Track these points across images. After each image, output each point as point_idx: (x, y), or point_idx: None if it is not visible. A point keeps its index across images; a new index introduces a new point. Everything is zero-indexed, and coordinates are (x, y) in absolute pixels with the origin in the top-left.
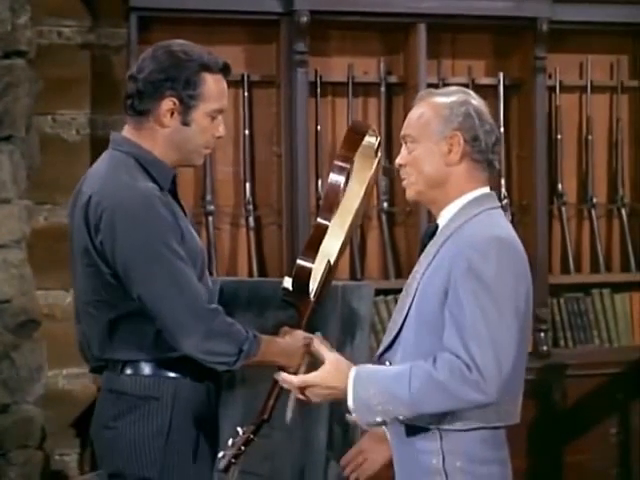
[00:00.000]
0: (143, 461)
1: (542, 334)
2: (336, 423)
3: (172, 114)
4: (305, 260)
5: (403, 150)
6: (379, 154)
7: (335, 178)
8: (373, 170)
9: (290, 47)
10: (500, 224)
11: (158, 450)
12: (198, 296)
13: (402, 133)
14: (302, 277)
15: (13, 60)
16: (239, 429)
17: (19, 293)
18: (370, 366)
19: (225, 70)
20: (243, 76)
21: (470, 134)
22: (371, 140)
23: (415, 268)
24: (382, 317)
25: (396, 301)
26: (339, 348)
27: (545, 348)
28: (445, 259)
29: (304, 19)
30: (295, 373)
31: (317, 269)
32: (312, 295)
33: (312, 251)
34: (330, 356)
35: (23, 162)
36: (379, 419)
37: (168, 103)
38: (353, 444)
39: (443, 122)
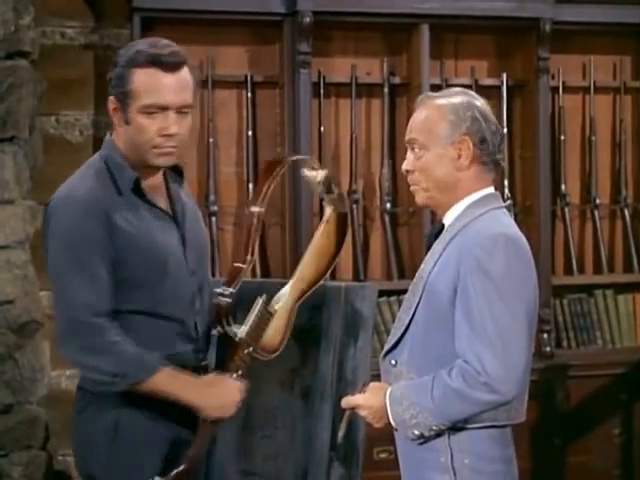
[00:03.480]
0: (90, 458)
1: (545, 335)
2: (339, 424)
3: (117, 113)
4: (221, 296)
5: (410, 155)
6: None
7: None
8: (328, 216)
9: (293, 48)
10: (506, 223)
11: (104, 447)
12: (81, 310)
13: (407, 137)
14: (218, 314)
15: (16, 61)
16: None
17: (22, 294)
18: (402, 383)
19: (160, 62)
20: (246, 77)
21: (478, 137)
22: (312, 174)
23: (421, 267)
24: (385, 318)
25: (399, 302)
26: (342, 349)
27: (548, 349)
28: (452, 257)
29: (307, 20)
30: (216, 422)
31: (251, 312)
32: (239, 337)
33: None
34: (372, 384)
35: (26, 163)
36: (417, 432)
37: (110, 103)
38: (356, 445)
39: (451, 127)
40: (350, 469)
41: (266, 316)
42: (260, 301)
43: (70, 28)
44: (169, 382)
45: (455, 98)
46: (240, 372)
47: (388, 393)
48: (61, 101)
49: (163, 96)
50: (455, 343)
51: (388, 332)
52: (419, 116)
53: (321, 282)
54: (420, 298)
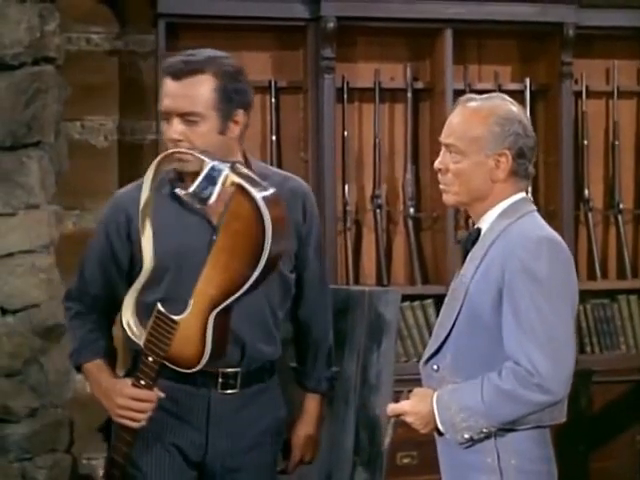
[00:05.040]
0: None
1: None
2: (363, 428)
3: None
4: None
5: (445, 155)
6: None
7: None
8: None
9: (317, 53)
10: (544, 226)
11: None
12: (65, 295)
13: (446, 140)
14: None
15: (42, 66)
16: None
17: (48, 298)
18: (449, 387)
19: (168, 71)
20: (270, 82)
21: (518, 152)
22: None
23: (460, 272)
24: (408, 323)
25: (423, 307)
26: (366, 353)
27: None
28: (495, 260)
29: (331, 25)
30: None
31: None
32: (141, 343)
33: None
34: (416, 389)
35: (52, 167)
36: (467, 435)
37: None
38: (380, 450)
39: (494, 139)
40: (374, 474)
41: (165, 325)
42: (156, 308)
43: (95, 34)
44: (90, 375)
45: (500, 108)
46: (142, 381)
47: (435, 398)
48: (86, 106)
49: (164, 102)
50: (504, 345)
51: (411, 337)
52: (460, 121)
53: (244, 286)
54: (463, 303)
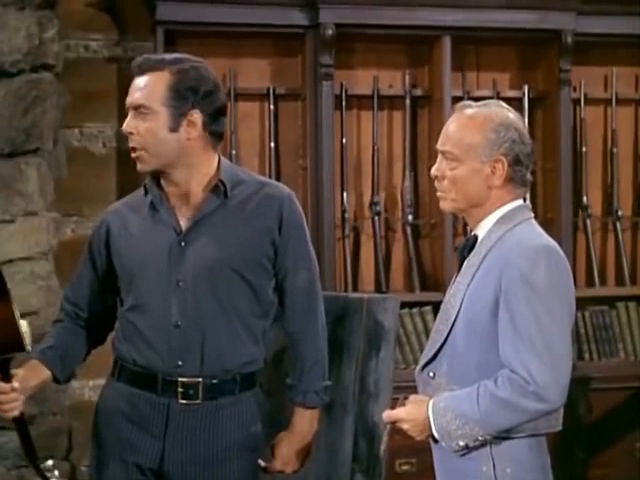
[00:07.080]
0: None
1: None
2: (361, 435)
3: None
4: None
5: (441, 162)
6: None
7: None
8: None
9: (316, 60)
10: (542, 233)
11: (90, 446)
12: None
13: (442, 148)
14: None
15: (41, 74)
16: None
17: (46, 305)
18: (445, 394)
19: (133, 69)
20: (269, 89)
21: (514, 159)
22: None
23: (457, 279)
24: (407, 330)
25: (421, 314)
26: (364, 361)
27: None
28: (492, 268)
29: (329, 32)
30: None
31: None
32: None
33: None
34: (412, 396)
35: (50, 174)
36: (462, 443)
37: None
38: (378, 457)
39: (489, 146)
40: None
41: None
42: None
43: (94, 41)
44: None
45: (496, 115)
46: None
47: (430, 405)
48: (85, 113)
49: (128, 98)
50: (500, 353)
51: (410, 344)
52: (456, 128)
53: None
54: (459, 310)
